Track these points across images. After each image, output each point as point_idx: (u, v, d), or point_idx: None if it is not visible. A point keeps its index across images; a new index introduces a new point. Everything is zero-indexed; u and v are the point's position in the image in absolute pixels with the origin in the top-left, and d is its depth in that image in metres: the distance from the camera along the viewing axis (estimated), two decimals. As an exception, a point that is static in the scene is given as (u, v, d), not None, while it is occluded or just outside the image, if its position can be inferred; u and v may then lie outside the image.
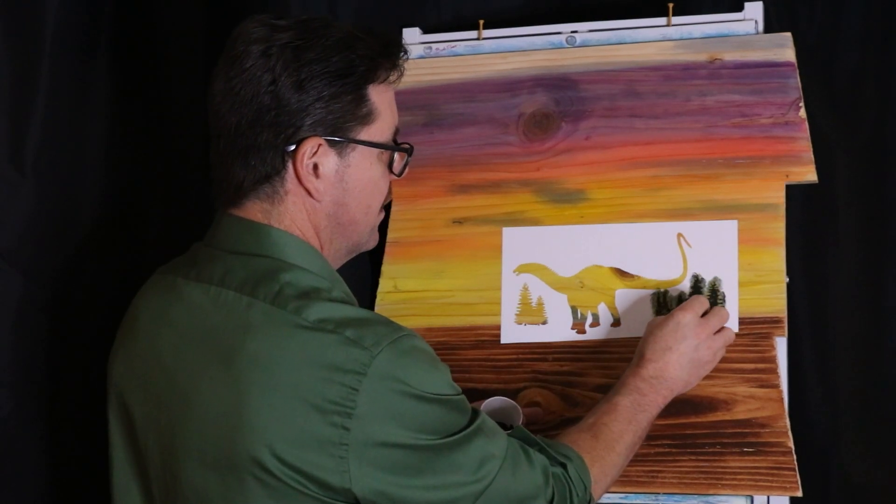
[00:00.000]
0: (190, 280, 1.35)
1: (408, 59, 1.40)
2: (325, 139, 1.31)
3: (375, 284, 1.81)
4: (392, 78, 1.38)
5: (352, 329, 1.25)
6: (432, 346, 1.74)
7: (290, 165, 1.32)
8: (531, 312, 1.74)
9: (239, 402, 1.24)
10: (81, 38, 1.77)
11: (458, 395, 1.31)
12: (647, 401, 1.53)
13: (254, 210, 1.34)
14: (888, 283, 1.72)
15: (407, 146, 1.42)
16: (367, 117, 1.34)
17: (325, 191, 1.34)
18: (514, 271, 1.76)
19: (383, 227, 1.82)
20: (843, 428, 1.73)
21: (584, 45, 1.81)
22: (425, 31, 1.88)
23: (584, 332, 1.72)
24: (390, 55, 1.37)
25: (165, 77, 1.91)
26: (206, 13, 1.90)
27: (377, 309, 1.80)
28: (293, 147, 1.31)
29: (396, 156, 1.40)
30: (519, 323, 1.75)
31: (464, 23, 1.87)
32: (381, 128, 1.37)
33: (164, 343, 1.34)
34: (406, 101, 1.84)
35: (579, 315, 1.73)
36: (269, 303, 1.27)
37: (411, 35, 1.87)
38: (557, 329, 1.73)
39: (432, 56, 1.86)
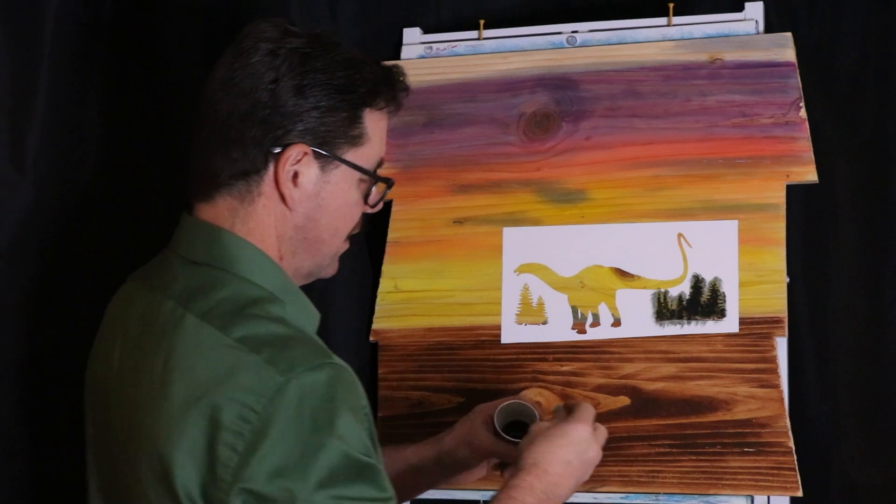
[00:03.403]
0: (146, 287, 1.34)
1: (407, 95, 1.38)
2: (312, 149, 1.30)
3: (376, 284, 1.81)
4: (390, 109, 1.37)
5: (270, 350, 1.21)
6: (432, 346, 1.77)
7: (271, 167, 1.29)
8: (531, 312, 1.74)
9: (159, 413, 1.23)
10: (81, 39, 1.77)
11: (365, 457, 1.20)
12: None
13: (222, 206, 1.31)
14: (888, 283, 1.72)
15: (388, 179, 1.39)
16: (357, 139, 1.33)
17: (300, 201, 1.31)
18: (515, 271, 1.76)
19: (383, 228, 1.83)
20: (843, 428, 1.73)
21: (584, 45, 1.81)
22: (426, 31, 1.88)
23: (584, 332, 1.72)
24: (392, 86, 1.36)
25: (165, 77, 1.91)
26: (206, 13, 1.90)
27: (378, 309, 1.80)
28: (279, 150, 1.29)
29: (374, 188, 1.38)
30: (519, 323, 1.75)
31: (464, 23, 1.87)
32: (369, 154, 1.35)
33: (117, 353, 1.33)
34: (406, 101, 1.84)
35: (580, 315, 1.73)
36: (199, 317, 1.25)
37: (412, 35, 1.87)
38: (558, 329, 1.73)
39: (433, 56, 1.86)
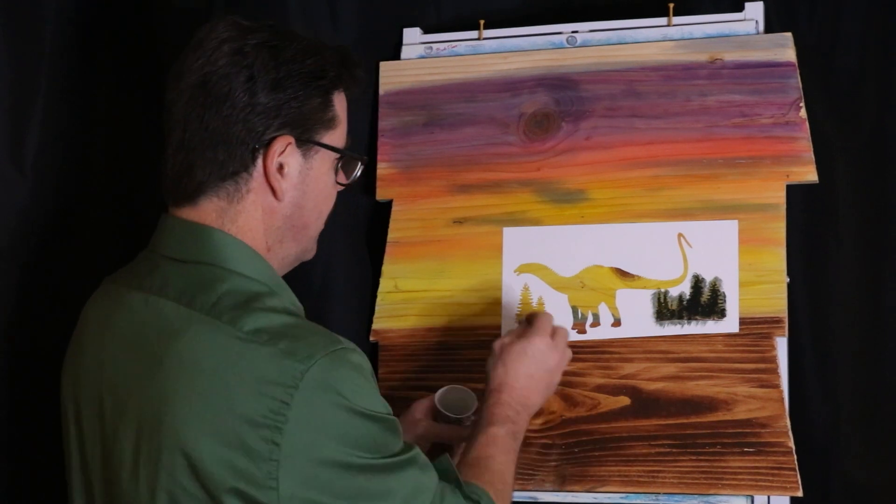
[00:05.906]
0: (132, 289, 1.34)
1: (362, 74, 1.42)
2: (294, 139, 1.33)
3: (376, 284, 1.81)
4: (352, 89, 1.40)
5: (287, 341, 1.23)
6: (432, 346, 1.76)
7: (259, 163, 1.32)
8: (532, 312, 1.74)
9: (177, 411, 1.23)
10: (81, 39, 1.77)
11: (390, 415, 1.28)
12: (518, 428, 1.50)
13: (208, 208, 1.33)
14: (888, 283, 1.72)
15: (363, 157, 1.44)
16: (330, 122, 1.36)
17: (287, 191, 1.34)
18: (515, 271, 1.76)
19: (383, 228, 1.83)
20: (843, 428, 1.73)
21: (584, 45, 1.81)
22: (426, 31, 1.88)
23: (584, 332, 1.72)
24: (349, 67, 1.39)
25: (165, 77, 1.91)
26: (206, 13, 1.90)
27: (378, 309, 1.80)
28: (264, 145, 1.31)
29: (342, 166, 1.41)
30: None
31: (464, 23, 1.87)
32: (340, 135, 1.39)
33: (106, 354, 1.33)
34: (406, 101, 1.85)
35: (580, 315, 1.73)
36: (206, 313, 1.26)
37: (411, 35, 1.87)
38: (558, 329, 1.73)
39: (433, 56, 1.86)
